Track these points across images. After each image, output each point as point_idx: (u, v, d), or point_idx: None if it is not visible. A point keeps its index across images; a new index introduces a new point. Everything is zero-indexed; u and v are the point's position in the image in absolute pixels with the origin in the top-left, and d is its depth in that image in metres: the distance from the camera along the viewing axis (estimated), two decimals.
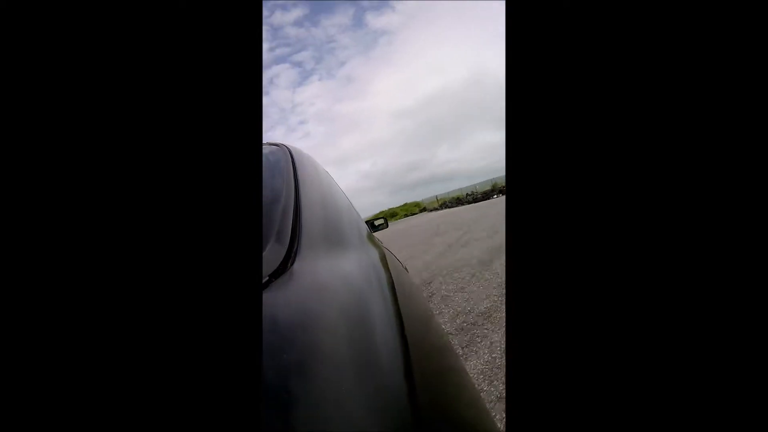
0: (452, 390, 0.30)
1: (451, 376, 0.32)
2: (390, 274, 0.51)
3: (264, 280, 0.29)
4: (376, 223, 1.90)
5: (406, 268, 0.93)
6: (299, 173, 0.60)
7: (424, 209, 31.09)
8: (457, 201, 22.68)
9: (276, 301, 0.27)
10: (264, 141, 0.77)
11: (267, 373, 0.19)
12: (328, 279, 0.36)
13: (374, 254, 0.61)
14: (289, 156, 0.66)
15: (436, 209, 24.85)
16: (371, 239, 0.77)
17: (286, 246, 0.37)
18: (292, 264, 0.34)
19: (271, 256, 0.35)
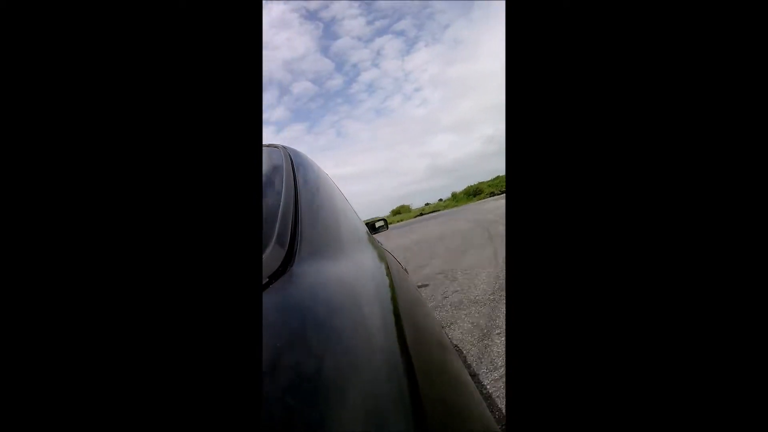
0: (452, 390, 0.29)
1: (451, 377, 0.32)
2: (390, 275, 0.51)
3: (264, 282, 0.29)
4: (377, 225, 1.91)
5: (406, 270, 0.93)
6: (298, 175, 0.60)
7: None
8: None
9: (276, 302, 0.27)
10: (267, 142, 0.77)
11: (266, 374, 0.19)
12: (327, 281, 0.36)
13: (374, 256, 0.61)
14: (288, 158, 0.66)
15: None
16: (371, 241, 0.77)
17: (286, 248, 0.37)
18: (291, 266, 0.34)
19: (271, 258, 0.35)
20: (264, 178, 0.56)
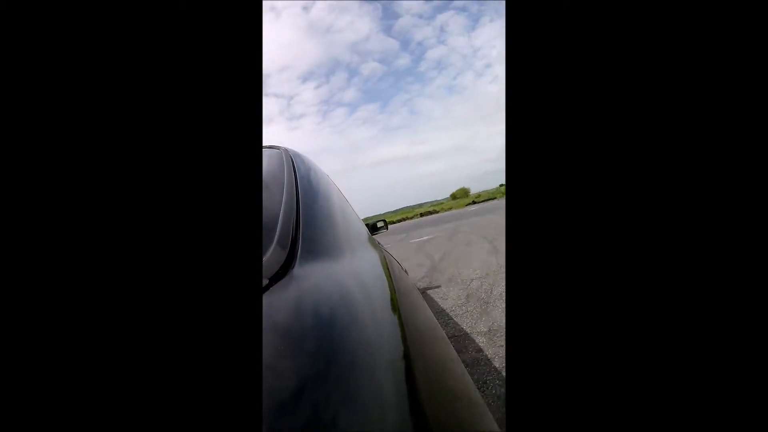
0: (453, 391, 0.29)
1: (451, 378, 0.32)
2: (390, 276, 0.51)
3: (264, 284, 0.29)
4: (378, 225, 1.91)
5: (406, 271, 0.93)
6: (299, 176, 0.60)
7: None
8: None
9: (276, 304, 0.27)
10: (266, 143, 0.77)
11: (266, 375, 0.19)
12: (328, 282, 0.36)
13: (374, 257, 0.61)
14: (290, 159, 0.66)
15: None
16: (371, 242, 0.77)
17: (287, 250, 0.37)
18: (292, 268, 0.34)
19: (272, 260, 0.35)
20: (264, 180, 0.56)
